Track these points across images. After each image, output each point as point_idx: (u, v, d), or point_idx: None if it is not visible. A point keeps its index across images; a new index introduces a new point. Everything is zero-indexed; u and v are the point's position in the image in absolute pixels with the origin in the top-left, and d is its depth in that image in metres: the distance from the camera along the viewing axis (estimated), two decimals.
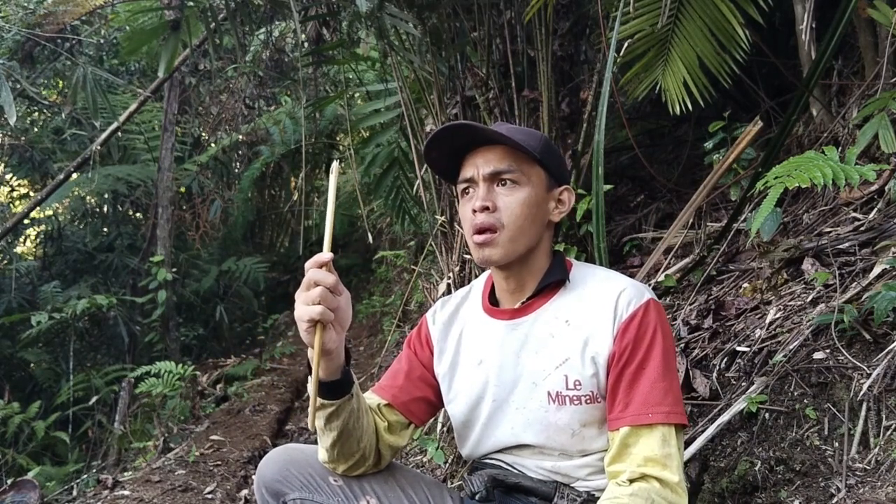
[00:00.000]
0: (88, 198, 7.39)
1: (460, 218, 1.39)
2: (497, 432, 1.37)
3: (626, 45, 2.44)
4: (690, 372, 1.94)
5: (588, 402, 1.27)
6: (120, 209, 7.43)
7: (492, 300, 1.43)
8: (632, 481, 1.18)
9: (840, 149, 2.03)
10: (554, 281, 1.35)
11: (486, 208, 1.28)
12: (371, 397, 1.45)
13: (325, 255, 1.15)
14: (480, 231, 1.29)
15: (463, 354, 1.42)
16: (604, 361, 1.26)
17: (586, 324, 1.29)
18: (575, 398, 1.28)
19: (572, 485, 1.32)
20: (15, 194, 7.96)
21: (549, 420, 1.30)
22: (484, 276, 1.51)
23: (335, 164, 1.15)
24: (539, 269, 1.36)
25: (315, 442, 1.41)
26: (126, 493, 2.89)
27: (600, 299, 1.30)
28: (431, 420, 2.60)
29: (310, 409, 1.16)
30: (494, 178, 1.30)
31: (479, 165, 1.31)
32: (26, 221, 6.65)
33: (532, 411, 1.31)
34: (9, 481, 3.33)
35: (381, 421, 1.41)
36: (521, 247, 1.31)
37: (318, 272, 1.14)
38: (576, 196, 2.51)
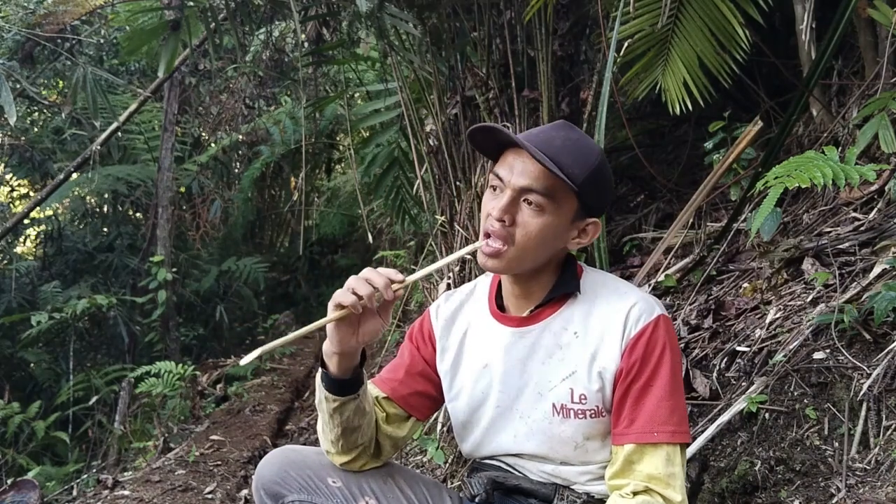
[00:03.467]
0: (88, 198, 7.39)
1: (482, 205, 1.33)
2: (499, 438, 1.36)
3: (626, 45, 2.44)
4: (690, 372, 1.94)
5: (593, 416, 1.27)
6: (120, 209, 7.42)
7: (498, 303, 1.41)
8: (636, 494, 1.18)
9: (840, 149, 2.03)
10: (564, 291, 1.33)
11: (503, 220, 1.24)
12: (371, 388, 1.45)
13: (399, 275, 1.21)
14: (489, 236, 1.26)
15: (466, 354, 1.41)
16: (611, 377, 1.25)
17: (595, 337, 1.28)
18: (580, 412, 1.27)
19: (571, 487, 1.32)
20: (15, 194, 7.96)
21: (552, 431, 1.29)
22: (489, 274, 1.49)
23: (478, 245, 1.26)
24: (547, 280, 1.33)
25: (314, 443, 1.41)
26: (126, 493, 2.89)
27: (610, 313, 1.28)
28: (432, 420, 2.60)
29: (262, 347, 1.18)
30: (523, 192, 1.24)
31: (515, 171, 1.24)
32: (26, 221, 6.65)
33: (536, 421, 1.31)
34: (9, 481, 3.32)
35: (380, 412, 1.41)
36: (526, 266, 1.28)
37: (379, 277, 1.20)
38: None
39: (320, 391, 1.31)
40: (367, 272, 1.21)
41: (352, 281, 1.20)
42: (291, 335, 1.21)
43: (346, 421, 1.30)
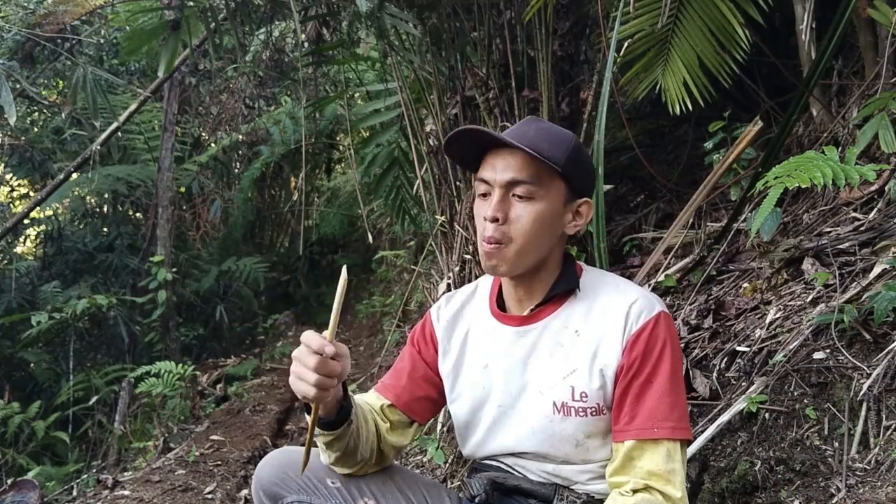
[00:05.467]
0: (88, 198, 7.39)
1: (474, 215, 1.36)
2: (500, 438, 1.36)
3: (626, 45, 2.44)
4: (690, 372, 1.94)
5: (593, 414, 1.27)
6: (120, 209, 7.42)
7: (499, 304, 1.41)
8: (635, 491, 1.18)
9: (840, 149, 2.03)
10: (564, 289, 1.34)
11: (497, 220, 1.25)
12: (373, 397, 1.45)
13: (329, 348, 1.13)
14: (489, 242, 1.27)
15: (468, 356, 1.41)
16: (612, 374, 1.25)
17: (595, 335, 1.28)
18: (581, 410, 1.27)
19: (572, 487, 1.32)
20: (15, 194, 7.96)
21: (553, 430, 1.29)
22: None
23: (344, 272, 1.14)
24: (548, 276, 1.34)
25: (315, 444, 1.40)
26: (126, 493, 2.89)
27: (610, 311, 1.28)
28: (431, 420, 2.60)
29: (303, 458, 1.24)
30: (511, 187, 1.25)
31: (498, 170, 1.26)
32: (26, 221, 6.65)
33: (537, 420, 1.31)
34: (9, 481, 3.32)
35: (383, 422, 1.41)
36: (531, 260, 1.29)
37: (309, 357, 1.14)
38: None
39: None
40: (298, 354, 1.16)
41: (300, 372, 1.16)
42: (303, 448, 1.25)
43: (344, 447, 1.31)
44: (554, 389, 1.29)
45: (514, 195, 1.26)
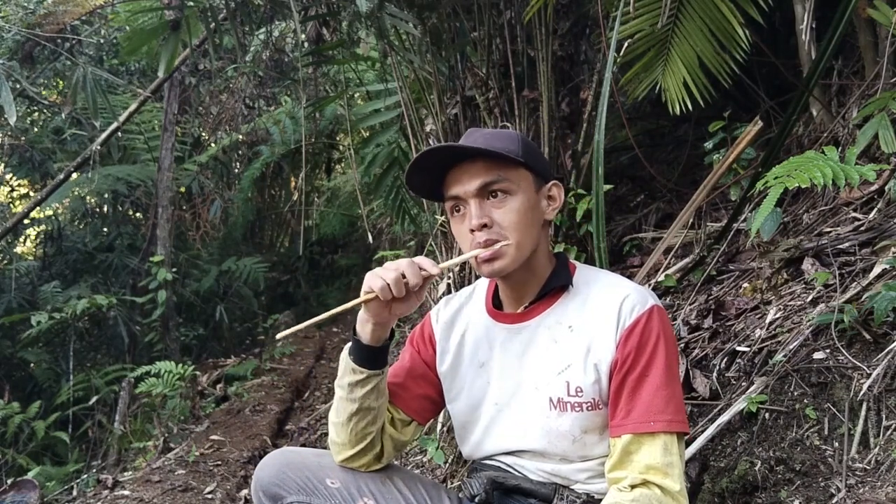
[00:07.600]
0: (88, 198, 7.39)
1: (454, 236, 1.37)
2: (498, 436, 1.37)
3: (626, 45, 2.44)
4: (690, 372, 1.94)
5: (589, 408, 1.27)
6: (120, 209, 7.42)
7: (495, 303, 1.42)
8: (633, 487, 1.18)
9: (840, 149, 2.03)
10: (557, 286, 1.35)
11: (485, 225, 1.27)
12: None
13: (434, 269, 1.24)
14: (486, 245, 1.27)
15: (465, 356, 1.42)
16: (606, 368, 1.26)
17: (589, 330, 1.28)
18: (576, 405, 1.27)
19: (571, 486, 1.32)
20: (15, 194, 7.96)
21: (550, 426, 1.29)
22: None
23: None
24: (541, 271, 1.35)
25: (314, 443, 1.41)
26: (126, 493, 2.89)
27: (604, 305, 1.29)
28: (432, 420, 2.60)
29: (294, 327, 1.27)
30: (483, 192, 1.28)
31: (464, 182, 1.28)
32: (26, 221, 6.65)
33: (534, 417, 1.31)
34: (9, 481, 3.33)
35: (386, 414, 1.42)
36: (528, 252, 1.30)
37: (410, 267, 1.22)
38: (576, 196, 2.52)
39: (347, 364, 1.33)
40: (403, 264, 1.23)
41: (385, 269, 1.23)
42: (326, 314, 1.27)
43: (364, 398, 1.32)
44: (549, 385, 1.30)
45: (489, 198, 1.28)
